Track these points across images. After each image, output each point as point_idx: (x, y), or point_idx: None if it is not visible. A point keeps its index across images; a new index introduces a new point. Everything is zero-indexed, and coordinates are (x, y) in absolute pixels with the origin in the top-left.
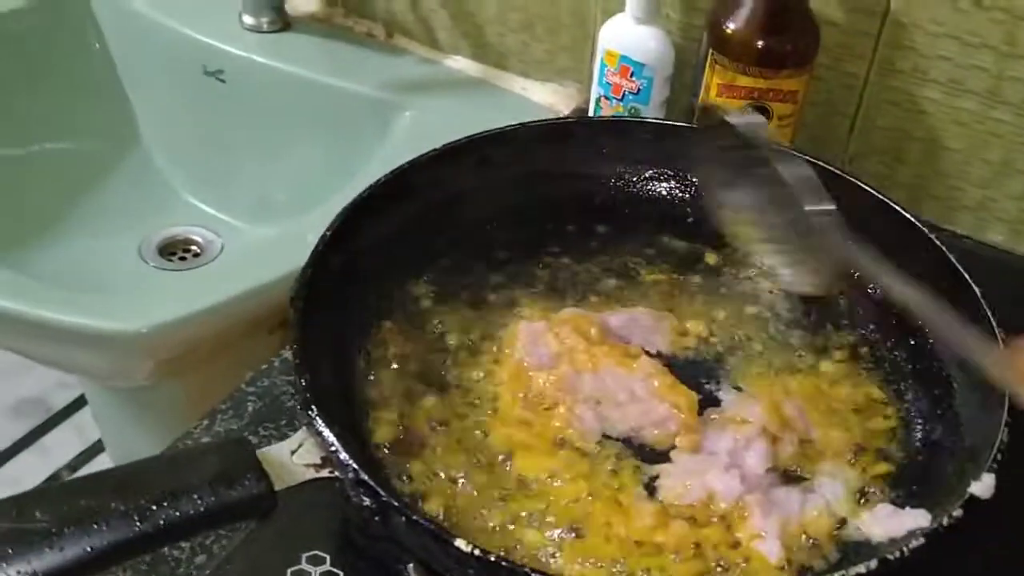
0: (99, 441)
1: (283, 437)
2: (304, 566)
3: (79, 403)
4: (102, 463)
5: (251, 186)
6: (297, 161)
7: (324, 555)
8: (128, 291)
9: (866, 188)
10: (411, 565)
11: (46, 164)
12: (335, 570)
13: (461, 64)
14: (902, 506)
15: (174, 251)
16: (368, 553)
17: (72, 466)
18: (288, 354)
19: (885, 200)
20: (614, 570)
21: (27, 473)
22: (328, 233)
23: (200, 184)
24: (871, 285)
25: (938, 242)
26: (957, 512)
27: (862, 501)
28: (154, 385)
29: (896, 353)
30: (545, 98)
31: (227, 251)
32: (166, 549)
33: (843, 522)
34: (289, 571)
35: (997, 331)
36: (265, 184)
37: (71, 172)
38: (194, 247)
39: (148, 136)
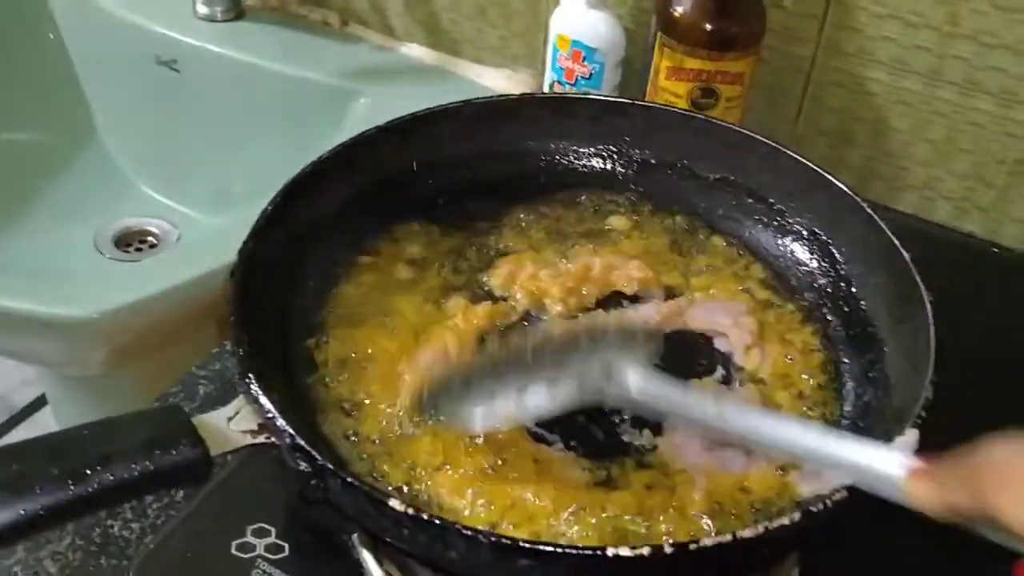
0: None
1: None
2: (249, 539)
3: (41, 402)
4: None
5: (207, 176)
6: (253, 150)
7: (269, 528)
8: (82, 281)
9: (804, 161)
10: (355, 535)
11: (1, 156)
12: (280, 542)
13: (416, 51)
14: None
15: (130, 243)
16: (314, 524)
17: None
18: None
19: (821, 172)
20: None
21: None
22: (269, 208)
23: (156, 175)
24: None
25: (869, 210)
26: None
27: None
28: (110, 374)
29: (831, 319)
30: (499, 84)
31: (183, 242)
32: (116, 530)
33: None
34: (234, 544)
35: (927, 297)
36: (221, 174)
37: (24, 164)
38: (150, 238)
39: (103, 127)
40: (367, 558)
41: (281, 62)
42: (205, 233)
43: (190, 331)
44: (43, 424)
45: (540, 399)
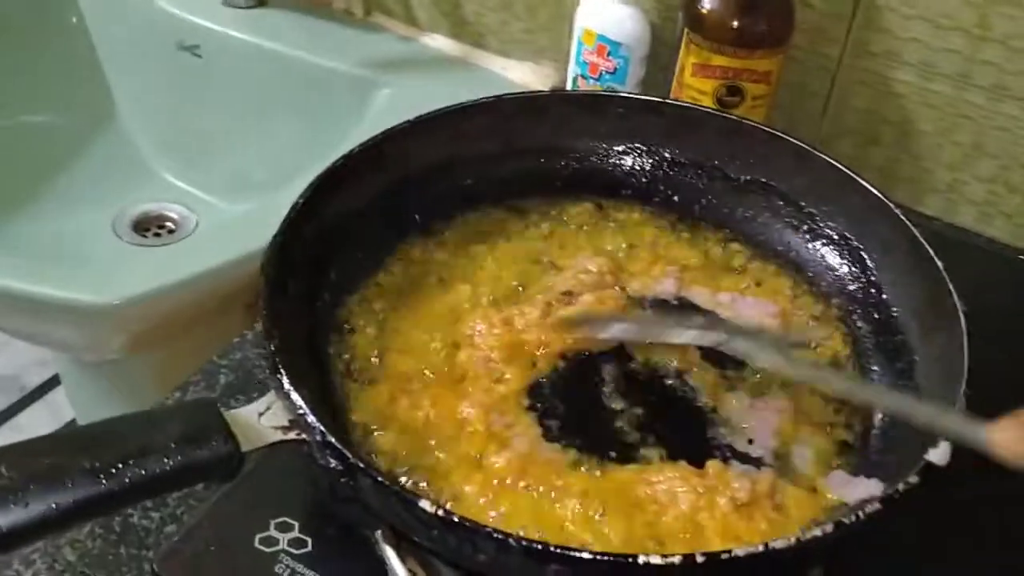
0: (73, 420)
1: None
2: (272, 532)
3: (53, 382)
4: None
5: (226, 162)
6: (273, 137)
7: (293, 522)
8: (101, 266)
9: (836, 164)
10: (379, 531)
11: (20, 138)
12: (303, 537)
13: (439, 43)
14: (858, 475)
15: (148, 227)
16: (337, 520)
17: None
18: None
19: (853, 176)
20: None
21: None
22: (300, 201)
23: (175, 160)
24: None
25: (904, 217)
26: (913, 479)
27: (824, 471)
28: (127, 360)
29: (860, 326)
30: (523, 77)
31: (202, 227)
32: (136, 519)
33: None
34: (257, 537)
35: (960, 307)
36: (241, 161)
37: (45, 147)
38: (169, 223)
39: (123, 111)
40: (390, 555)
41: (304, 50)
42: (224, 220)
43: (208, 319)
44: (55, 405)
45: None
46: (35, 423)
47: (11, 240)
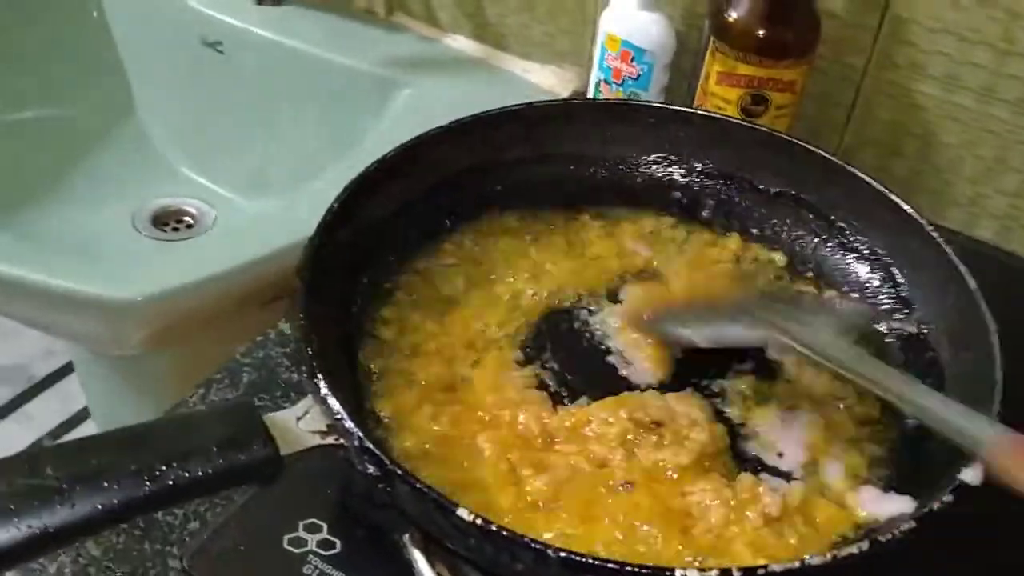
0: (82, 410)
1: (278, 408)
2: (301, 534)
3: (63, 372)
4: (85, 432)
5: (246, 159)
6: (293, 135)
7: (321, 524)
8: (121, 260)
9: (867, 179)
10: (407, 535)
11: (41, 132)
12: (332, 538)
13: (461, 44)
14: (888, 491)
15: (167, 222)
16: (366, 522)
17: (54, 434)
18: (284, 326)
19: (884, 191)
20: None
21: (8, 440)
22: (335, 205)
23: (195, 155)
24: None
25: (935, 235)
26: (947, 498)
27: (854, 485)
28: (143, 354)
29: (890, 342)
30: (544, 80)
31: (220, 223)
32: (160, 515)
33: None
34: (286, 538)
35: (992, 327)
36: (260, 157)
37: (66, 140)
38: (187, 218)
39: (144, 106)
40: (418, 558)
41: (325, 49)
42: (243, 216)
43: (225, 316)
44: (63, 394)
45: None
46: (43, 413)
47: (31, 232)
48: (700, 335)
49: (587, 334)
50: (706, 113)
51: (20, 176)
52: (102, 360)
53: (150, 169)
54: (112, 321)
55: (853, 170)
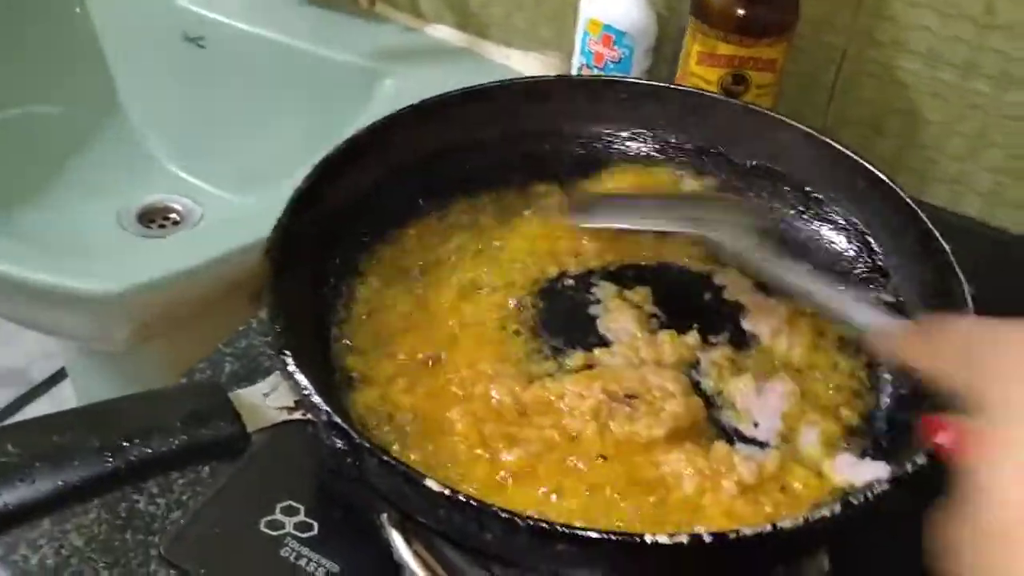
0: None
1: None
2: (278, 516)
3: (60, 375)
4: None
5: (232, 154)
6: (278, 128)
7: (298, 506)
8: (106, 256)
9: (842, 150)
10: (385, 515)
11: (25, 129)
12: (309, 521)
13: (444, 33)
14: (864, 458)
15: (153, 219)
16: (343, 503)
17: None
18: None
19: (860, 161)
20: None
21: None
22: (304, 186)
23: (180, 152)
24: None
25: (911, 202)
26: (922, 460)
27: (831, 453)
28: (133, 351)
29: None
30: (527, 67)
31: (207, 219)
32: (142, 505)
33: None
34: (263, 521)
35: (968, 291)
36: (246, 152)
37: (50, 138)
38: (174, 215)
39: (127, 103)
40: (396, 538)
41: (308, 41)
42: (229, 211)
43: (215, 309)
44: (61, 398)
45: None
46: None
47: (16, 230)
48: (633, 221)
49: (570, 306)
50: (680, 88)
51: (3, 175)
52: (94, 359)
53: (136, 166)
54: (97, 315)
55: (827, 140)
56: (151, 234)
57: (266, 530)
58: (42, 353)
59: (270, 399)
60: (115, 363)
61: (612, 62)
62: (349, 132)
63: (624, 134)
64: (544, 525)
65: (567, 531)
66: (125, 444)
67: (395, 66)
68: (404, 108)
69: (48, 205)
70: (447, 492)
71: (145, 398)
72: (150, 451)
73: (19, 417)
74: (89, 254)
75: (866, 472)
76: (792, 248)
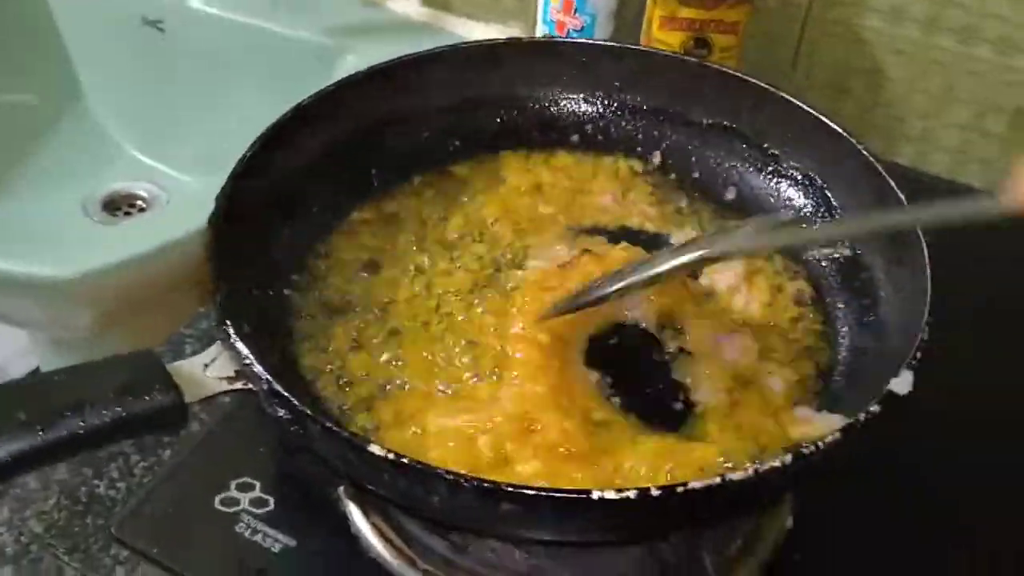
0: None
1: None
2: (233, 493)
3: (37, 373)
4: None
5: (195, 138)
6: (241, 110)
7: (254, 482)
8: (69, 244)
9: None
10: (341, 488)
11: None
12: (265, 496)
13: (405, 7)
14: (822, 410)
15: (119, 206)
16: (299, 479)
17: None
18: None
19: (814, 114)
20: None
21: None
22: (248, 154)
23: (143, 137)
24: None
25: (866, 152)
26: (874, 408)
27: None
28: (100, 340)
29: (825, 265)
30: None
31: (172, 205)
32: (102, 490)
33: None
34: (218, 498)
35: (923, 238)
36: (209, 135)
37: (9, 126)
38: (139, 202)
39: (89, 89)
40: (353, 511)
41: (268, 20)
42: (194, 195)
43: (179, 293)
44: None
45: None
46: None
47: None
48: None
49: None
50: (636, 48)
51: None
52: (63, 350)
53: (99, 154)
54: (54, 301)
55: (783, 95)
56: (116, 222)
57: (221, 507)
58: (17, 351)
59: (210, 369)
60: (86, 355)
61: (574, 30)
62: None
63: (579, 96)
64: (488, 485)
65: (513, 491)
66: (57, 417)
67: (356, 42)
68: (354, 73)
69: (11, 196)
70: (391, 456)
71: (77, 370)
72: (83, 423)
73: None
74: (53, 243)
75: (823, 425)
76: (751, 205)
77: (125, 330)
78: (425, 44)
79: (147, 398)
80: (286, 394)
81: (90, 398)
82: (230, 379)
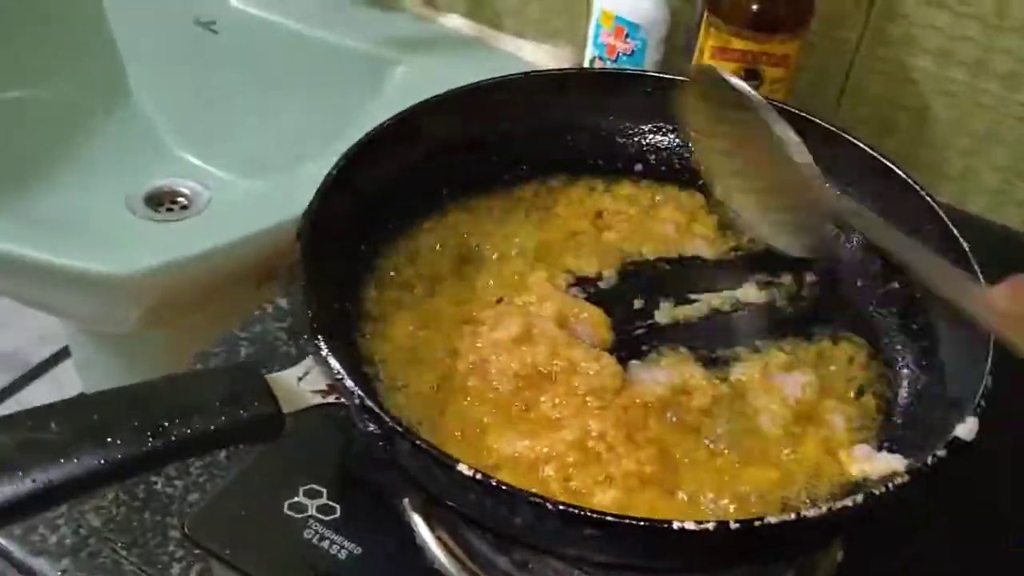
0: (79, 395)
1: None
2: (301, 499)
3: (57, 358)
4: None
5: (240, 139)
6: (287, 115)
7: (321, 489)
8: (115, 239)
9: (862, 146)
10: (407, 499)
11: (33, 112)
12: (332, 504)
13: (455, 23)
14: (881, 450)
15: (161, 203)
16: (365, 487)
17: None
18: (282, 301)
19: (879, 158)
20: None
21: None
22: (334, 172)
23: (189, 136)
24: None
25: (928, 197)
26: (941, 452)
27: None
28: (139, 335)
29: (883, 309)
30: (539, 58)
31: (215, 203)
32: (160, 486)
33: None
34: (286, 504)
35: (981, 280)
36: (255, 138)
37: (56, 120)
38: (182, 199)
39: (137, 86)
40: (418, 522)
41: (320, 28)
42: (237, 196)
43: (221, 296)
44: (59, 381)
45: None
46: (39, 399)
47: (25, 212)
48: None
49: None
50: None
51: (12, 158)
52: (98, 342)
53: (144, 150)
54: (108, 297)
55: (848, 136)
56: (159, 218)
57: (289, 512)
58: (38, 336)
59: (304, 382)
60: (120, 346)
61: (624, 54)
62: (359, 120)
63: (646, 127)
64: (574, 511)
65: (596, 517)
66: (166, 424)
67: (406, 55)
68: (428, 98)
69: (57, 188)
70: (479, 477)
71: (184, 379)
72: (189, 431)
73: (17, 399)
74: (97, 237)
75: (882, 464)
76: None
77: (167, 328)
78: (475, 60)
79: (249, 409)
80: (378, 410)
81: (197, 407)
82: (323, 393)
